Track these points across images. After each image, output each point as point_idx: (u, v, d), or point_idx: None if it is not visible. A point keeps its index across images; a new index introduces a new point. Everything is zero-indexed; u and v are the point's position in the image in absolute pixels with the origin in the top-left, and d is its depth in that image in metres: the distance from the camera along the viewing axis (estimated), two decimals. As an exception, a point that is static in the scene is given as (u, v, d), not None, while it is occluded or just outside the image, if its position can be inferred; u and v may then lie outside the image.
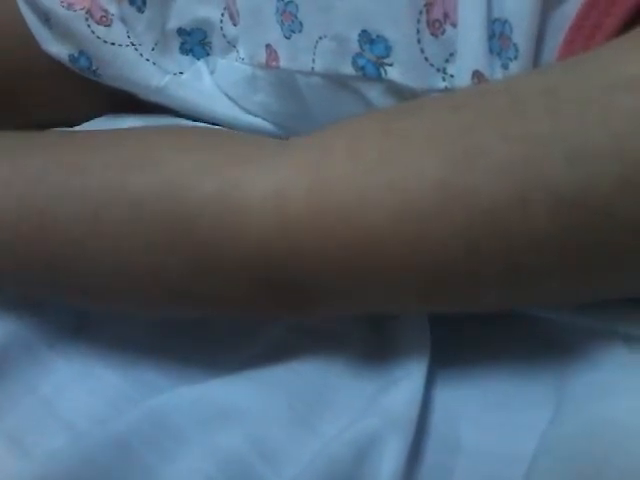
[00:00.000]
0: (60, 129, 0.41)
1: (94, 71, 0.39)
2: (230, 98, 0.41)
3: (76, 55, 0.39)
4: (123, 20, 0.39)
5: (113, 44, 0.38)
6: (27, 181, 0.26)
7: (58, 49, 0.39)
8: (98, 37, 0.38)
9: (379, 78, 0.33)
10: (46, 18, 0.38)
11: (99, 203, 0.25)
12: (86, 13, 0.38)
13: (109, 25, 0.38)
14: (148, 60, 0.39)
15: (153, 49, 0.39)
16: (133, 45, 0.39)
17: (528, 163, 0.20)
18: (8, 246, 0.27)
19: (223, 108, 0.40)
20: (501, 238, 0.21)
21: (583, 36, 0.25)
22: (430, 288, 0.23)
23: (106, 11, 0.38)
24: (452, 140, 0.22)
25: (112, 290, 0.27)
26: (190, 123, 0.40)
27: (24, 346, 0.32)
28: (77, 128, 0.42)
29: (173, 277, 0.25)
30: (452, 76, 0.30)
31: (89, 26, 0.38)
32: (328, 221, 0.23)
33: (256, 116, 0.40)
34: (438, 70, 0.31)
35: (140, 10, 0.39)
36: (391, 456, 0.25)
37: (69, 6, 0.38)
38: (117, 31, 0.38)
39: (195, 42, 0.40)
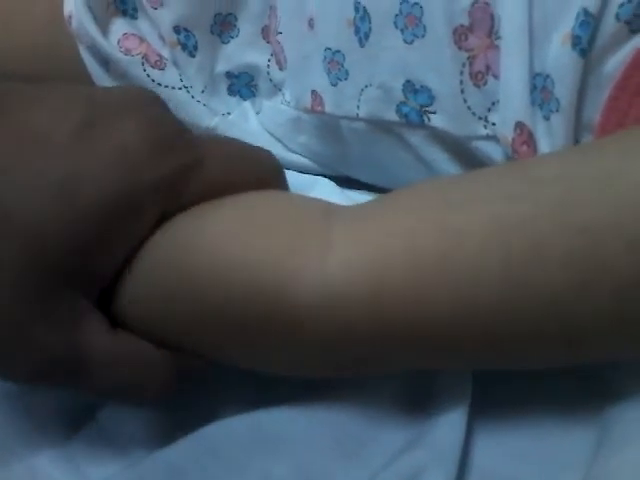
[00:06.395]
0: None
1: (147, 111, 0.41)
2: (274, 137, 0.43)
3: (131, 97, 0.41)
4: (176, 64, 0.41)
5: (167, 87, 0.41)
6: None
7: (114, 90, 0.41)
8: (153, 80, 0.40)
9: (422, 125, 0.34)
10: (105, 62, 0.41)
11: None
12: (142, 58, 0.40)
13: (163, 69, 0.41)
14: (199, 102, 0.41)
15: (203, 91, 0.41)
16: (185, 87, 0.41)
17: (589, 252, 0.21)
18: None
19: (268, 147, 0.42)
20: (563, 319, 0.22)
21: (628, 93, 0.26)
22: (497, 361, 0.25)
23: (160, 56, 0.41)
24: (510, 234, 0.22)
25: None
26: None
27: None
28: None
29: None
30: (494, 124, 0.32)
31: (145, 70, 0.40)
32: (390, 324, 0.23)
33: (299, 155, 0.42)
34: (480, 118, 0.32)
35: (192, 55, 0.41)
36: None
37: (127, 51, 0.40)
38: (170, 74, 0.41)
39: (242, 84, 0.43)
